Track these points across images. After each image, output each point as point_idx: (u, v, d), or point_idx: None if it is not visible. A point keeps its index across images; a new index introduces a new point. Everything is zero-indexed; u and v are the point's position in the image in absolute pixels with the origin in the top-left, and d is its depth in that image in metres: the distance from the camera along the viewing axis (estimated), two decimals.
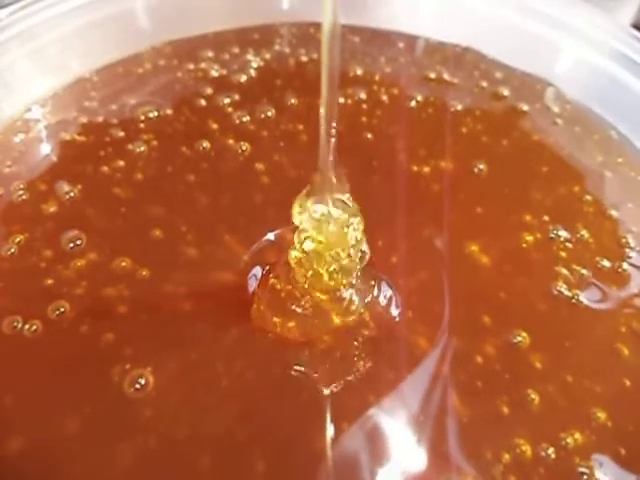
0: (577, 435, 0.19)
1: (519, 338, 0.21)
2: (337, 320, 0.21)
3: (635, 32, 0.29)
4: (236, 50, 0.32)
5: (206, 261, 0.23)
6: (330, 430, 0.19)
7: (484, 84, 0.31)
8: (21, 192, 0.25)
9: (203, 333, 0.21)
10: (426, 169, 0.27)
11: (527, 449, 0.19)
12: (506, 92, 0.30)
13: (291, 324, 0.21)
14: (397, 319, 0.22)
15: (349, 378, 0.20)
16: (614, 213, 0.25)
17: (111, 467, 0.18)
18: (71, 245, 0.23)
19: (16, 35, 0.27)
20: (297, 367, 0.20)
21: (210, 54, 0.31)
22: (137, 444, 0.19)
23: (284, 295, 0.21)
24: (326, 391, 0.20)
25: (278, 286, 0.22)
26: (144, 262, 0.23)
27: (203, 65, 0.31)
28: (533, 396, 0.20)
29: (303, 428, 0.19)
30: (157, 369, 0.20)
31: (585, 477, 0.18)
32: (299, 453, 0.19)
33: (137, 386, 0.20)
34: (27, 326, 0.21)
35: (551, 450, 0.19)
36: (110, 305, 0.22)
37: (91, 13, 0.30)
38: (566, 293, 0.22)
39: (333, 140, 0.17)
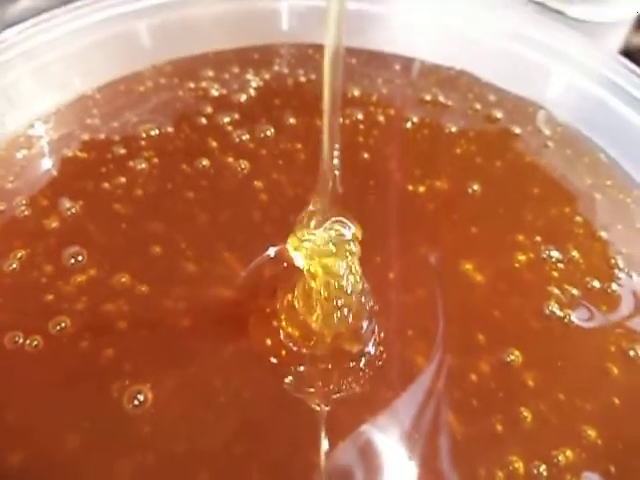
0: (568, 453, 0.20)
1: (512, 357, 0.22)
2: (328, 345, 0.21)
3: (623, 59, 0.30)
4: (236, 70, 0.32)
5: (205, 277, 0.23)
6: (326, 447, 0.19)
7: (478, 106, 0.31)
8: (23, 207, 0.25)
9: (202, 349, 0.21)
10: (421, 189, 0.27)
11: (520, 466, 0.19)
12: (499, 115, 0.31)
13: (283, 352, 0.21)
14: (393, 337, 0.22)
15: (345, 395, 0.21)
16: (604, 234, 0.26)
17: None
18: (72, 261, 0.23)
19: (21, 53, 0.28)
20: (294, 384, 0.21)
21: (210, 73, 0.32)
22: (136, 460, 0.19)
23: (275, 321, 0.22)
24: (322, 408, 0.20)
25: (268, 309, 0.22)
26: (143, 278, 0.23)
27: (204, 84, 0.31)
28: (526, 414, 0.20)
29: (299, 444, 0.20)
30: (156, 385, 0.20)
31: None
32: (296, 469, 0.19)
33: (136, 402, 0.20)
34: (28, 341, 0.21)
35: (543, 467, 0.19)
36: (110, 321, 0.22)
37: (94, 33, 0.30)
38: (558, 313, 0.23)
39: (336, 162, 0.18)
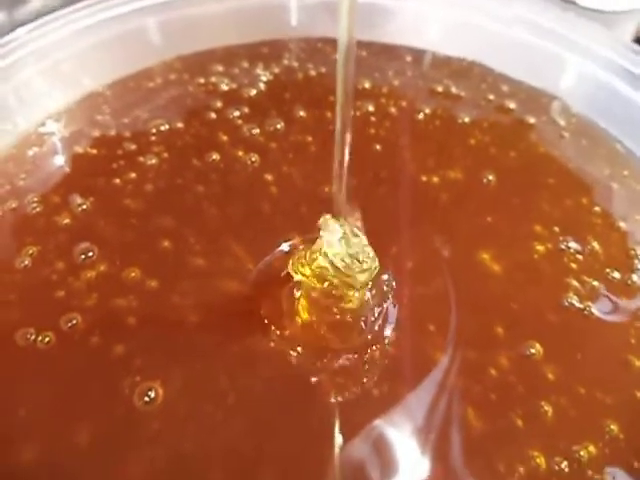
0: (590, 448, 0.19)
1: (532, 350, 0.21)
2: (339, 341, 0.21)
3: (637, 47, 0.29)
4: (246, 64, 0.32)
5: (215, 272, 0.23)
6: (339, 444, 0.19)
7: (491, 97, 0.31)
8: (35, 204, 0.25)
9: (212, 345, 0.21)
10: (435, 179, 0.27)
11: (541, 462, 0.19)
12: (513, 105, 0.31)
13: (294, 348, 0.21)
14: (408, 330, 0.22)
15: (358, 391, 0.20)
16: (622, 225, 0.25)
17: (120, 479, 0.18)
18: (83, 257, 0.23)
19: (32, 52, 0.28)
20: (304, 380, 0.20)
21: (220, 68, 0.32)
22: (146, 457, 0.19)
23: (286, 317, 0.21)
24: (335, 404, 0.20)
25: (279, 305, 0.22)
26: (153, 273, 0.23)
27: (213, 79, 0.31)
28: (546, 408, 0.20)
29: (311, 442, 0.19)
30: (166, 382, 0.20)
31: None
32: (307, 466, 0.19)
33: (147, 399, 0.20)
34: (40, 338, 0.21)
35: (565, 463, 0.19)
36: (120, 317, 0.22)
37: (103, 31, 0.30)
38: (577, 305, 0.22)
39: (347, 157, 0.18)
